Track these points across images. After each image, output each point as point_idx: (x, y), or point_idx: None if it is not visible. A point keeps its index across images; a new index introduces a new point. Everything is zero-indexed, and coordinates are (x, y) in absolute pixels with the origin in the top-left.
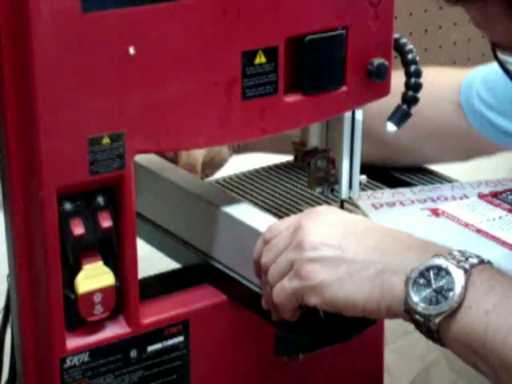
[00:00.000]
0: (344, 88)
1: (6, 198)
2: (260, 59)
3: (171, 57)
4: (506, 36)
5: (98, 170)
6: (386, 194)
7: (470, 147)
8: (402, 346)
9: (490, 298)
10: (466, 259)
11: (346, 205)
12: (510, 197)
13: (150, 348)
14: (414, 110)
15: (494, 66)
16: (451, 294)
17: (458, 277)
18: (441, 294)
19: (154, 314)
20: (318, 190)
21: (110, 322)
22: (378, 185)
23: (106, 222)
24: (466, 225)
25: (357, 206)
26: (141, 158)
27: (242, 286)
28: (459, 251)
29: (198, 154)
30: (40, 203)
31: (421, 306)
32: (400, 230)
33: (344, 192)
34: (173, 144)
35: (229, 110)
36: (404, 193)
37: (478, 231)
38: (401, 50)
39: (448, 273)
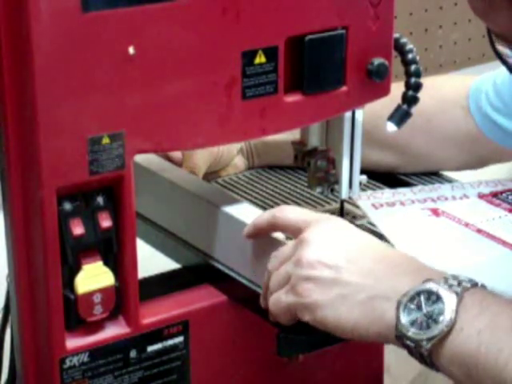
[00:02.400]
0: (344, 88)
1: (5, 198)
2: (260, 59)
3: (171, 57)
4: (507, 26)
5: (97, 170)
6: (386, 194)
7: (482, 153)
8: None
9: (482, 318)
10: (459, 283)
11: (346, 205)
12: (510, 197)
13: (150, 348)
14: (425, 117)
15: (502, 70)
16: (441, 318)
17: (449, 301)
18: (431, 318)
19: (154, 314)
20: (318, 190)
21: (109, 322)
22: (378, 185)
23: (106, 222)
24: (467, 225)
25: (357, 206)
26: (141, 158)
27: (242, 286)
28: (452, 276)
29: (201, 159)
30: (40, 203)
31: (412, 331)
32: (399, 248)
33: (344, 192)
34: (173, 144)
35: (229, 109)
36: (404, 193)
37: (479, 231)
38: (401, 49)
39: (439, 297)
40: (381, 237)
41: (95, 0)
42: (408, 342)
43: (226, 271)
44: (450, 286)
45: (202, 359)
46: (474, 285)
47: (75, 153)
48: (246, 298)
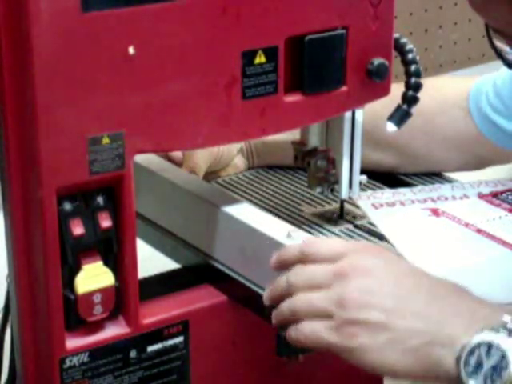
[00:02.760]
0: (344, 88)
1: (5, 197)
2: (260, 59)
3: (171, 57)
4: (504, 21)
5: (97, 170)
6: (386, 194)
7: (482, 154)
8: None
9: None
10: None
11: (346, 205)
12: (510, 197)
13: (150, 348)
14: (425, 117)
15: (502, 71)
16: (506, 373)
17: (511, 352)
18: (496, 372)
19: (154, 314)
20: (318, 190)
21: (109, 322)
22: (378, 185)
23: (106, 222)
24: (467, 225)
25: (357, 206)
26: (141, 158)
27: (242, 286)
28: (510, 318)
29: (201, 158)
30: (39, 203)
31: None
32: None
33: (344, 192)
34: (173, 144)
35: (229, 109)
36: (404, 193)
37: (479, 231)
38: (401, 49)
39: (499, 349)
40: (381, 237)
41: (95, 0)
42: None
43: (226, 271)
44: (510, 332)
45: (202, 359)
46: None
47: (75, 153)
48: (246, 298)
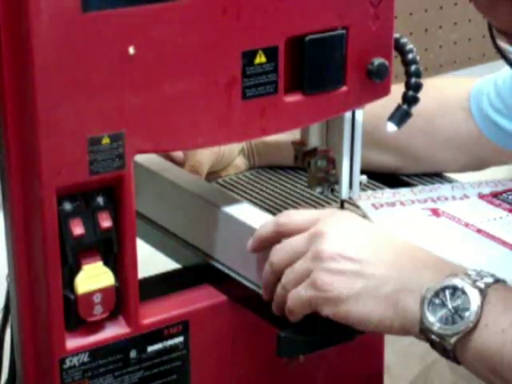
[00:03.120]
0: (344, 88)
1: (5, 198)
2: (260, 59)
3: (171, 57)
4: (508, 21)
5: (97, 170)
6: (387, 194)
7: (483, 155)
8: (402, 346)
9: (506, 316)
10: (482, 278)
11: (346, 205)
12: (510, 197)
13: (150, 348)
14: (426, 118)
15: (503, 71)
16: (467, 313)
17: (474, 296)
18: (457, 313)
19: (154, 314)
20: (318, 189)
21: (109, 322)
22: (378, 185)
23: (106, 222)
24: (467, 225)
25: (357, 206)
26: (141, 158)
27: (241, 286)
28: (475, 270)
29: (204, 157)
30: (39, 203)
31: (436, 326)
32: (415, 242)
33: (344, 192)
34: (173, 144)
35: (229, 109)
36: (404, 193)
37: (479, 231)
38: (401, 49)
39: (464, 292)
40: None
41: (95, 0)
42: (433, 337)
43: (226, 271)
44: (474, 282)
45: (202, 359)
46: (496, 280)
47: (75, 153)
48: (246, 298)
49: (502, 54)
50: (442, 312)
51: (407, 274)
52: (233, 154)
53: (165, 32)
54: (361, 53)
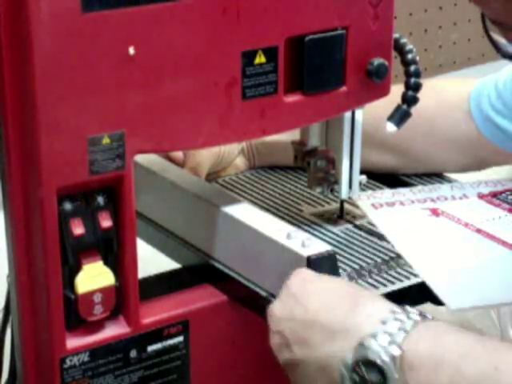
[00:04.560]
0: (344, 88)
1: (5, 197)
2: (260, 59)
3: (171, 57)
4: (500, 10)
5: (97, 170)
6: (386, 194)
7: (482, 156)
8: None
9: (442, 373)
10: (393, 340)
11: (345, 205)
12: (509, 197)
13: (150, 348)
14: (426, 119)
15: (504, 72)
16: None
17: (390, 369)
18: None
19: (154, 314)
20: (318, 190)
21: (109, 321)
22: (378, 185)
23: (106, 222)
24: (466, 225)
25: (357, 206)
26: (141, 158)
27: (242, 286)
28: (382, 327)
29: (204, 157)
30: (40, 203)
31: None
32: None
33: (344, 192)
34: (173, 144)
35: (229, 110)
36: (404, 193)
37: (478, 231)
38: (401, 49)
39: (378, 368)
40: (380, 237)
41: (95, 0)
42: None
43: (226, 271)
44: (385, 348)
45: (202, 359)
46: (423, 317)
47: (75, 153)
48: (246, 298)
49: (496, 47)
50: None
51: (323, 350)
52: (233, 154)
53: (165, 32)
54: (360, 53)
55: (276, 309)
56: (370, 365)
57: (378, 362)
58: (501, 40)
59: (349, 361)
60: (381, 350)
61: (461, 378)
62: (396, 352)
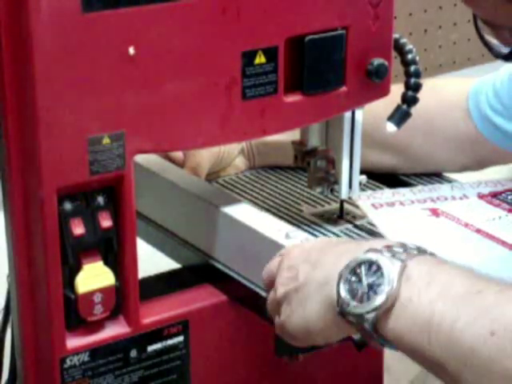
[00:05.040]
0: (344, 88)
1: (6, 197)
2: (260, 59)
3: (171, 57)
4: (490, 9)
5: (98, 170)
6: (386, 194)
7: (482, 155)
8: None
9: (433, 288)
10: (405, 251)
11: (345, 205)
12: (509, 197)
13: (150, 348)
14: (425, 119)
15: (502, 72)
16: (381, 288)
17: (390, 270)
18: (372, 289)
19: (154, 313)
20: (318, 189)
21: (109, 321)
22: (378, 185)
23: (106, 222)
24: (466, 225)
25: (357, 206)
26: (141, 158)
27: (242, 286)
28: (400, 243)
29: (204, 157)
30: (40, 203)
31: (352, 305)
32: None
33: (344, 192)
34: (173, 144)
35: (229, 110)
36: (404, 193)
37: (478, 231)
38: (400, 50)
39: (379, 266)
40: (381, 237)
41: (95, 0)
42: (350, 318)
43: (226, 271)
44: (394, 255)
45: (202, 359)
46: (422, 252)
47: (76, 153)
48: (246, 298)
49: (488, 47)
50: (358, 289)
51: (328, 265)
52: (233, 154)
53: (165, 32)
54: (360, 53)
55: (295, 250)
56: (371, 267)
57: (381, 263)
58: (493, 41)
59: (351, 263)
60: (385, 258)
61: (447, 294)
62: (398, 263)
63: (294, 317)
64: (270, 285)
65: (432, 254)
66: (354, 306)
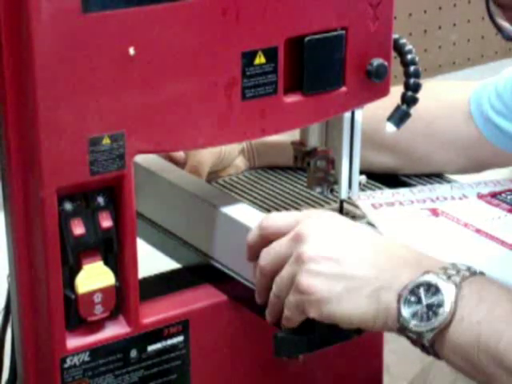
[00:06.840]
0: (343, 88)
1: (6, 198)
2: (260, 60)
3: (171, 57)
4: None
5: (98, 170)
6: (386, 194)
7: (482, 158)
8: (401, 345)
9: (481, 308)
10: (458, 272)
11: (345, 205)
12: (509, 197)
13: (150, 348)
14: (426, 120)
15: (504, 74)
16: (441, 310)
17: (448, 292)
18: (431, 310)
19: (154, 313)
20: (318, 190)
21: (110, 321)
22: (378, 185)
23: (106, 222)
24: (466, 225)
25: (356, 206)
26: (141, 158)
27: (241, 286)
28: (452, 265)
29: (204, 158)
30: (40, 203)
31: (412, 324)
32: (397, 239)
33: (343, 192)
34: (173, 144)
35: (228, 110)
36: (403, 193)
37: (478, 231)
38: (400, 50)
39: (438, 289)
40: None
41: (95, 0)
42: (410, 334)
43: (226, 271)
44: (449, 277)
45: (202, 359)
46: (473, 273)
47: (76, 153)
48: (246, 298)
49: (500, 30)
50: (418, 309)
51: (387, 273)
52: (233, 154)
53: (165, 33)
54: (360, 53)
55: (308, 221)
56: (430, 289)
57: (440, 286)
58: (504, 24)
59: (410, 285)
60: (442, 281)
61: (492, 314)
62: (453, 286)
63: (332, 303)
64: (253, 257)
65: (481, 273)
66: (415, 325)
